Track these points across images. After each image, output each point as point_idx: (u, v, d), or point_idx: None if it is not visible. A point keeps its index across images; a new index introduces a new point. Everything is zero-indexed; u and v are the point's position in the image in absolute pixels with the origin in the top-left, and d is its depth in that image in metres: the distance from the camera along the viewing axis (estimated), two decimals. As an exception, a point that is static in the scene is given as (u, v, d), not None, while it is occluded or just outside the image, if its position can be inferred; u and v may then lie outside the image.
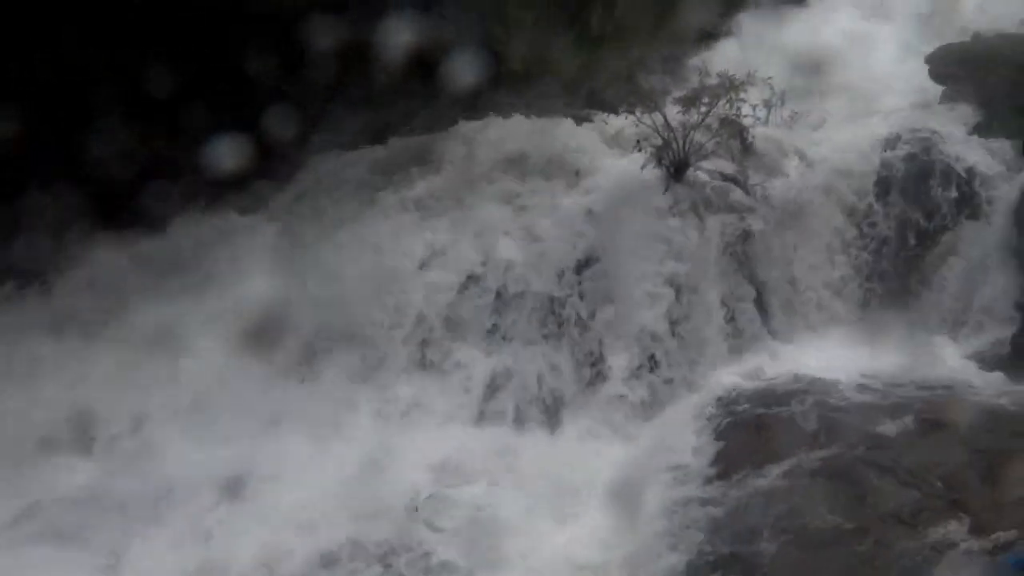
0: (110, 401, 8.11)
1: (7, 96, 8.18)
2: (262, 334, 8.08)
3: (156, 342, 8.32)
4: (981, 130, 10.73)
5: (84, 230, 8.87)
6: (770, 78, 10.42)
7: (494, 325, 9.17)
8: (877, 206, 10.09)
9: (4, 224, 8.87)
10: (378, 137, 10.77)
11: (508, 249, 9.50)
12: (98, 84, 8.80)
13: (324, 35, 9.51)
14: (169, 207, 9.35)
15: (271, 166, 9.99)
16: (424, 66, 10.41)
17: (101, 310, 9.00)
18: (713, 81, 9.94)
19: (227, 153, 8.94)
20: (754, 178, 10.09)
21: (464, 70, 10.46)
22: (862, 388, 7.99)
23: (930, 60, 12.24)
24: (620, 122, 10.70)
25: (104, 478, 7.50)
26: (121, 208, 9.04)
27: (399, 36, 10.13)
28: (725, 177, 10.01)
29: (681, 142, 9.90)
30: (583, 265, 9.52)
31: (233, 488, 7.24)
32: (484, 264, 9.40)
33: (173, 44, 8.99)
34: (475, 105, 11.25)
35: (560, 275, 9.41)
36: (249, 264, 9.23)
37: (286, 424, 8.11)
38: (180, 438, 7.82)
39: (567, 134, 10.96)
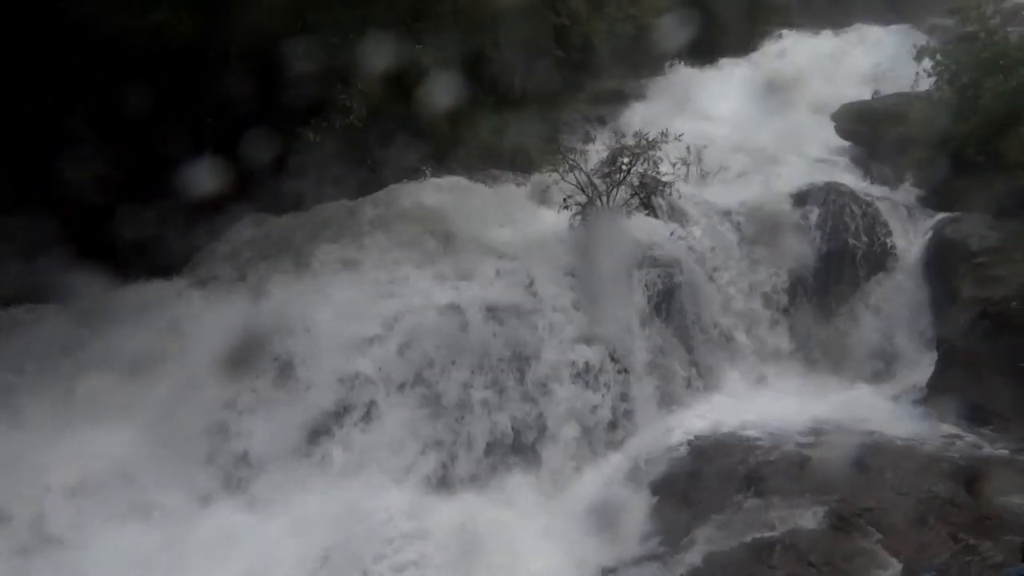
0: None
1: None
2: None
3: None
4: (886, 182, 11.31)
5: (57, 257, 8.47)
6: (681, 135, 10.67)
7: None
8: (794, 259, 10.43)
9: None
10: (297, 203, 10.63)
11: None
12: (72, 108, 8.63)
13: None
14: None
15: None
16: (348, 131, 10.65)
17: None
18: (629, 141, 10.24)
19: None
20: (678, 232, 10.34)
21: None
22: (790, 437, 8.09)
23: (835, 117, 12.88)
24: (542, 180, 11.04)
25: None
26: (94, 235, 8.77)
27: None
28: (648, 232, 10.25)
29: (605, 199, 10.16)
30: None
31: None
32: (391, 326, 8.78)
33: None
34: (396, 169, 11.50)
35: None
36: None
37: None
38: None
39: (486, 194, 11.14)
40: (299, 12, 9.68)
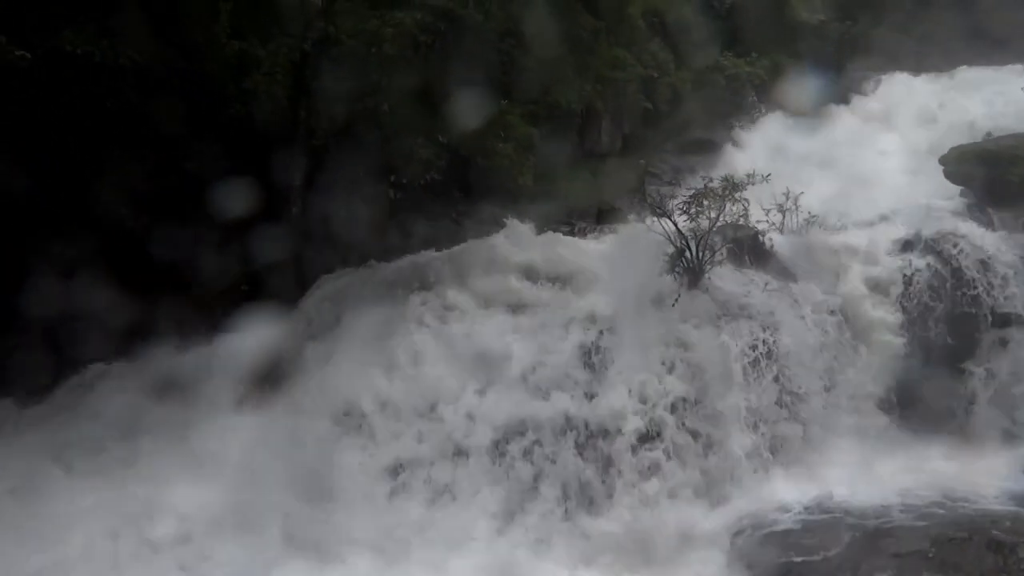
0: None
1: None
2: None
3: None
4: (1006, 229, 10.59)
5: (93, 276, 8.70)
6: (768, 175, 10.33)
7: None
8: (905, 315, 9.85)
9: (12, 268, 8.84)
10: (387, 255, 10.78)
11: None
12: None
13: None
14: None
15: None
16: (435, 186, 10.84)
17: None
18: (715, 184, 9.91)
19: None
20: (773, 284, 9.96)
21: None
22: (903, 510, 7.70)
23: (944, 161, 12.26)
24: (631, 230, 10.73)
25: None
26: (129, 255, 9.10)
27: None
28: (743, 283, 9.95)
29: (695, 249, 9.74)
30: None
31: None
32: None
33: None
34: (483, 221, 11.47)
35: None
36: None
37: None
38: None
39: (573, 245, 10.89)
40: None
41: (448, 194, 11.56)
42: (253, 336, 9.43)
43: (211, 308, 9.79)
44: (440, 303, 9.93)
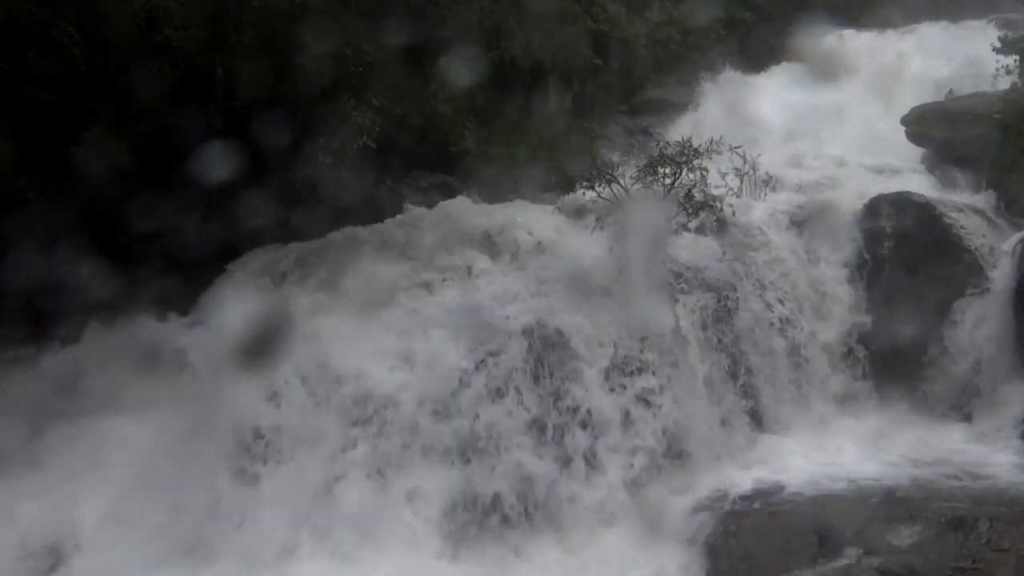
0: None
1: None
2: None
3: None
4: (965, 189, 10.76)
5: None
6: (739, 147, 10.24)
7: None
8: (866, 278, 9.93)
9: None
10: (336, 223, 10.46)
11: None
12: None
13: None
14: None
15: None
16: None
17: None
18: (672, 151, 9.75)
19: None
20: (731, 252, 9.95)
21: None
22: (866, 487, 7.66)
23: (905, 121, 12.29)
24: (578, 199, 10.48)
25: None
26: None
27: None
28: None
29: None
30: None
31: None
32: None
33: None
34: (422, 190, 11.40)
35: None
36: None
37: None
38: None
39: (523, 211, 10.61)
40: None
41: (383, 162, 11.15)
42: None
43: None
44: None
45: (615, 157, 11.75)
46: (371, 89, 10.32)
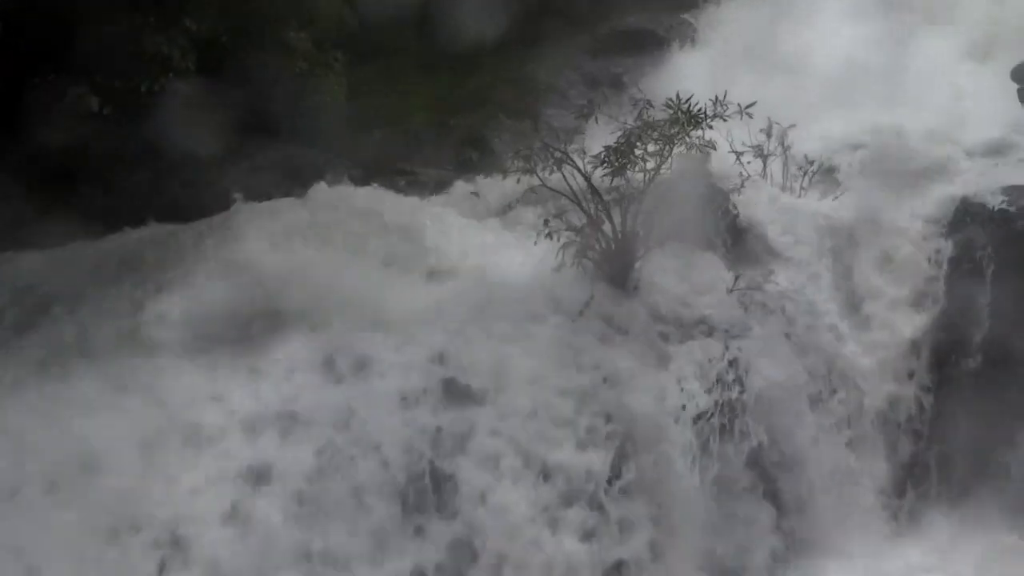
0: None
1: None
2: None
3: None
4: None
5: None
6: (750, 106, 9.92)
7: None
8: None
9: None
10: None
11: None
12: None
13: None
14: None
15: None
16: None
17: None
18: (659, 115, 9.68)
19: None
20: (747, 275, 10.12)
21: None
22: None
23: (1018, 76, 12.46)
24: (509, 187, 10.56)
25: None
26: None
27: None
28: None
29: (618, 222, 9.64)
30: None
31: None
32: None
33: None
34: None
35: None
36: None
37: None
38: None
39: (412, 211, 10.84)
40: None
41: (198, 123, 11.08)
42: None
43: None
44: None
45: (570, 122, 11.70)
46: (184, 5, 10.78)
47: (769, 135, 11.18)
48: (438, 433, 8.44)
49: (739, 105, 9.77)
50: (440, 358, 8.94)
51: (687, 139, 9.59)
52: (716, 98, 9.62)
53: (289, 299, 9.36)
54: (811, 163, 11.40)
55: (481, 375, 8.82)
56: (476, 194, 10.62)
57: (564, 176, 9.76)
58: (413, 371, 8.81)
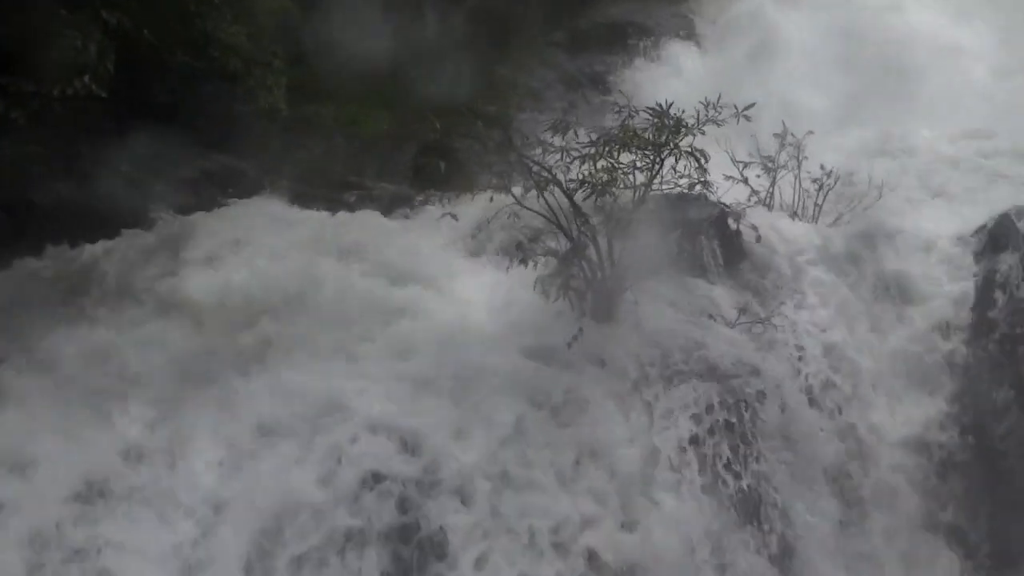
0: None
1: None
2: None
3: None
4: None
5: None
6: (748, 108, 9.95)
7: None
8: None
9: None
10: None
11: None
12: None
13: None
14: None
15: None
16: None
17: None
18: (645, 123, 9.71)
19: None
20: (756, 308, 10.37)
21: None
22: None
23: None
24: (478, 208, 10.60)
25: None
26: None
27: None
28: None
29: (606, 246, 9.74)
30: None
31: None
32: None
33: None
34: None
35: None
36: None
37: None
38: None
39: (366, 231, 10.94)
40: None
41: (120, 130, 11.34)
42: None
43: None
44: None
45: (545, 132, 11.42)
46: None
47: (782, 144, 11.30)
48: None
49: (736, 108, 9.78)
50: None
51: (677, 150, 9.62)
52: (706, 101, 9.67)
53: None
54: (828, 175, 11.47)
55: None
56: (453, 216, 10.61)
57: (542, 194, 9.79)
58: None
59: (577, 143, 9.90)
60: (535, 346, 9.57)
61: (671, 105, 9.62)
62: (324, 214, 11.35)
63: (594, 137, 9.84)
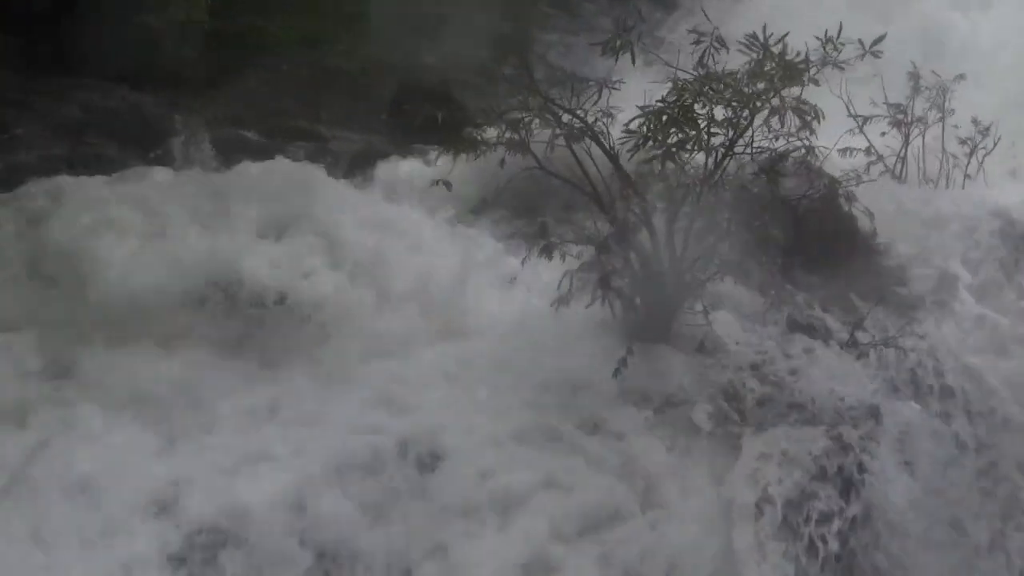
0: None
1: None
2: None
3: None
4: None
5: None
6: (877, 41, 9.91)
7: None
8: None
9: None
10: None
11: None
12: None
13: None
14: None
15: None
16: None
17: None
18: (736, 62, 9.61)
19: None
20: (871, 325, 10.47)
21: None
22: None
23: None
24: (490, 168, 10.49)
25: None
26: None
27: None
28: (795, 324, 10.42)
29: (664, 232, 9.87)
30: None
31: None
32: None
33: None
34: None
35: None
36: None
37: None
38: None
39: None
40: None
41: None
42: None
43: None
44: None
45: (582, 59, 12.13)
46: None
47: (916, 91, 11.52)
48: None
49: (861, 43, 9.78)
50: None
51: (781, 103, 9.51)
52: (826, 35, 9.59)
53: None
54: (984, 131, 11.76)
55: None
56: (445, 184, 10.65)
57: (575, 154, 9.86)
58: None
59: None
60: (559, 379, 9.66)
61: (782, 38, 9.51)
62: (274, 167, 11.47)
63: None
